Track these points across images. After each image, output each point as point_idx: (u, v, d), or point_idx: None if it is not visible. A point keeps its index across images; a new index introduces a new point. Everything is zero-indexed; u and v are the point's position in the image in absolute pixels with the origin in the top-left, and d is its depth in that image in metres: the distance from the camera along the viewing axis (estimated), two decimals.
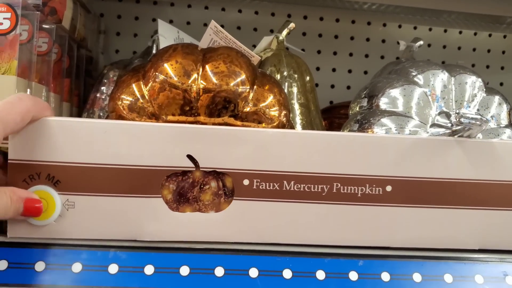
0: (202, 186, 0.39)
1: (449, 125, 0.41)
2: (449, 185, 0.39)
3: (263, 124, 0.40)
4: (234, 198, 0.39)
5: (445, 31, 0.84)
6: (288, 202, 0.39)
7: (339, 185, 0.39)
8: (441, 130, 0.41)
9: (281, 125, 0.41)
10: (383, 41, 0.83)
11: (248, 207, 0.39)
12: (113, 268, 0.37)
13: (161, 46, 0.59)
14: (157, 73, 0.40)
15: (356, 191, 0.39)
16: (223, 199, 0.39)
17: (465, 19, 0.81)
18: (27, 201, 0.36)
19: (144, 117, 0.40)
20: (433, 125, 0.42)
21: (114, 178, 0.38)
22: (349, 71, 0.83)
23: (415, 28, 0.84)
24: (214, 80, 0.39)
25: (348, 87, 0.83)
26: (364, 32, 0.83)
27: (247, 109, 0.40)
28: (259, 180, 0.39)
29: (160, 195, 0.39)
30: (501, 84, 0.87)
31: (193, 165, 0.39)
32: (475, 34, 0.85)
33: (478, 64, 0.86)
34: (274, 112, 0.41)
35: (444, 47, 0.85)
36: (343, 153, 0.38)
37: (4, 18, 0.39)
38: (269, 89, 0.41)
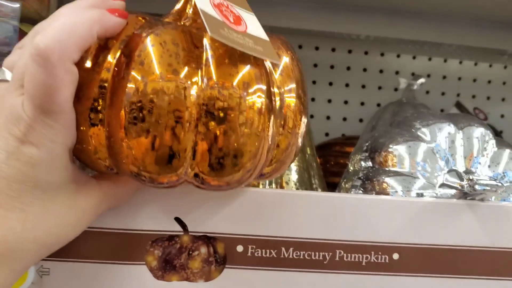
0: (190, 252, 0.35)
1: (459, 186, 0.38)
2: (462, 253, 0.36)
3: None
4: (226, 266, 0.35)
5: (445, 61, 0.82)
6: (287, 271, 0.35)
7: (342, 252, 0.35)
8: (451, 191, 0.38)
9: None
10: (381, 71, 0.81)
11: (241, 276, 0.35)
12: None
13: None
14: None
15: (360, 259, 0.35)
16: (213, 266, 0.35)
17: (465, 50, 0.79)
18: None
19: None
20: (442, 185, 0.39)
21: (93, 243, 0.34)
22: (345, 102, 0.80)
23: (414, 57, 0.81)
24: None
25: (344, 119, 0.80)
26: (361, 62, 0.80)
27: None
28: (254, 246, 0.35)
29: (144, 262, 0.35)
30: (502, 116, 0.84)
31: (181, 229, 0.35)
32: (476, 64, 0.83)
33: (478, 95, 0.83)
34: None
35: (444, 77, 0.82)
36: (346, 217, 0.35)
37: None
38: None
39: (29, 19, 0.45)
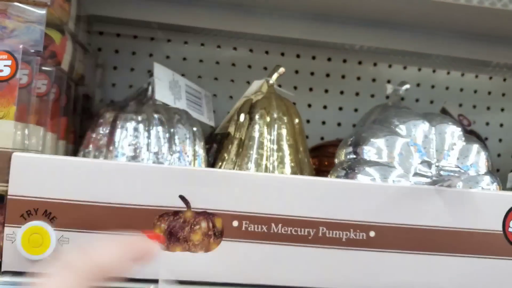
0: (192, 226, 0.40)
1: (430, 174, 0.43)
2: (429, 233, 0.41)
3: None
4: (223, 239, 0.40)
5: (434, 71, 0.87)
6: (276, 245, 0.40)
7: (324, 229, 0.40)
8: (423, 179, 0.43)
9: None
10: (374, 80, 0.86)
11: (236, 248, 0.40)
12: None
13: (156, 88, 0.61)
14: None
15: (340, 236, 0.41)
16: (212, 239, 0.40)
17: (452, 61, 0.84)
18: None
19: None
20: (415, 174, 0.44)
21: (108, 216, 0.39)
22: (340, 108, 0.85)
23: (404, 68, 0.86)
24: None
25: (339, 124, 0.86)
26: (355, 71, 0.85)
27: None
28: (247, 222, 0.40)
29: None
30: (487, 123, 0.89)
31: (184, 206, 0.40)
32: (462, 75, 0.88)
33: (465, 104, 0.88)
34: None
35: (433, 87, 0.87)
36: (329, 199, 0.40)
37: (4, 66, 0.41)
38: None
39: (53, 24, 0.51)
